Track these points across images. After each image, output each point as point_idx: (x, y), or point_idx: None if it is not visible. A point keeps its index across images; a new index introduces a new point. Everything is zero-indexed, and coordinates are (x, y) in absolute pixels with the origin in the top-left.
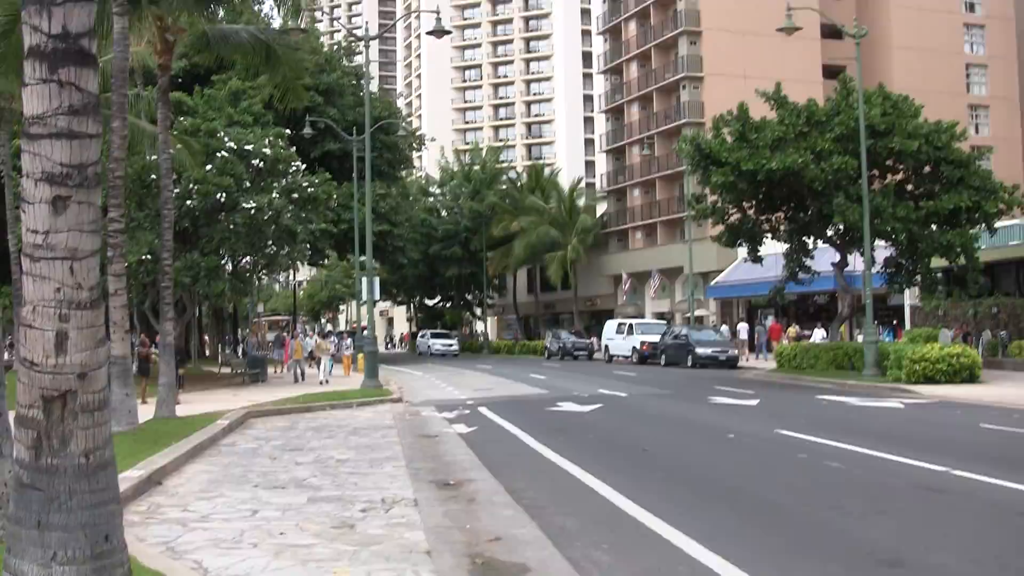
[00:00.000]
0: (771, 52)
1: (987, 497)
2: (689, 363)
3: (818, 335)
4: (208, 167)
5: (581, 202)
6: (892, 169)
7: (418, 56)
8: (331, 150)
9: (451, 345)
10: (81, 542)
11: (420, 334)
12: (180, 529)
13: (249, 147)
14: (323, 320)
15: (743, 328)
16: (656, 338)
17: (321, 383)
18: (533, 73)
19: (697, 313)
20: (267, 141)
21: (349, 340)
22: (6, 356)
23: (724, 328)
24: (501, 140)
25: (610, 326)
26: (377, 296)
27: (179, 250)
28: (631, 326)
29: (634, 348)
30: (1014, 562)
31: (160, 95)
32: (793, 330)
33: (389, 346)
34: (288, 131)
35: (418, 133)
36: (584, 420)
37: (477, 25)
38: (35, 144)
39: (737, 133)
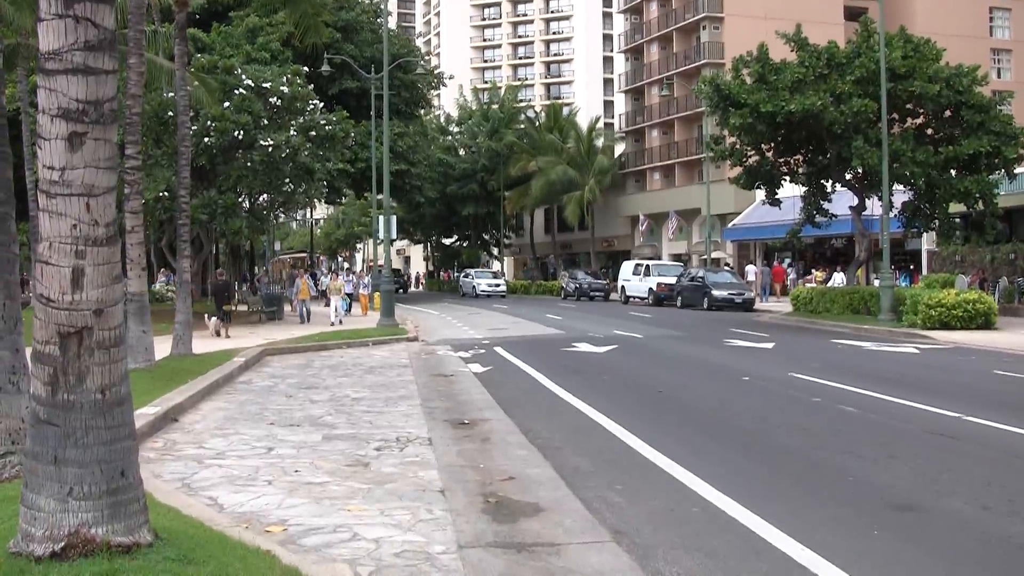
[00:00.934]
0: None
1: (999, 443)
2: (705, 305)
3: (837, 279)
4: (226, 104)
5: (599, 142)
6: (912, 113)
7: None
8: (349, 88)
9: (498, 285)
10: (97, 477)
11: (463, 273)
12: (196, 466)
13: (267, 84)
14: (340, 259)
15: (751, 270)
16: (672, 280)
17: (332, 324)
18: (552, 12)
19: (714, 255)
20: (285, 79)
21: (367, 279)
22: (23, 292)
23: (727, 269)
24: (520, 79)
25: (627, 267)
26: (394, 235)
27: (196, 187)
28: (648, 267)
29: (650, 289)
30: None
31: (177, 31)
32: (820, 274)
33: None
34: (305, 68)
35: (436, 71)
36: (600, 361)
37: None
38: (51, 80)
39: (757, 74)
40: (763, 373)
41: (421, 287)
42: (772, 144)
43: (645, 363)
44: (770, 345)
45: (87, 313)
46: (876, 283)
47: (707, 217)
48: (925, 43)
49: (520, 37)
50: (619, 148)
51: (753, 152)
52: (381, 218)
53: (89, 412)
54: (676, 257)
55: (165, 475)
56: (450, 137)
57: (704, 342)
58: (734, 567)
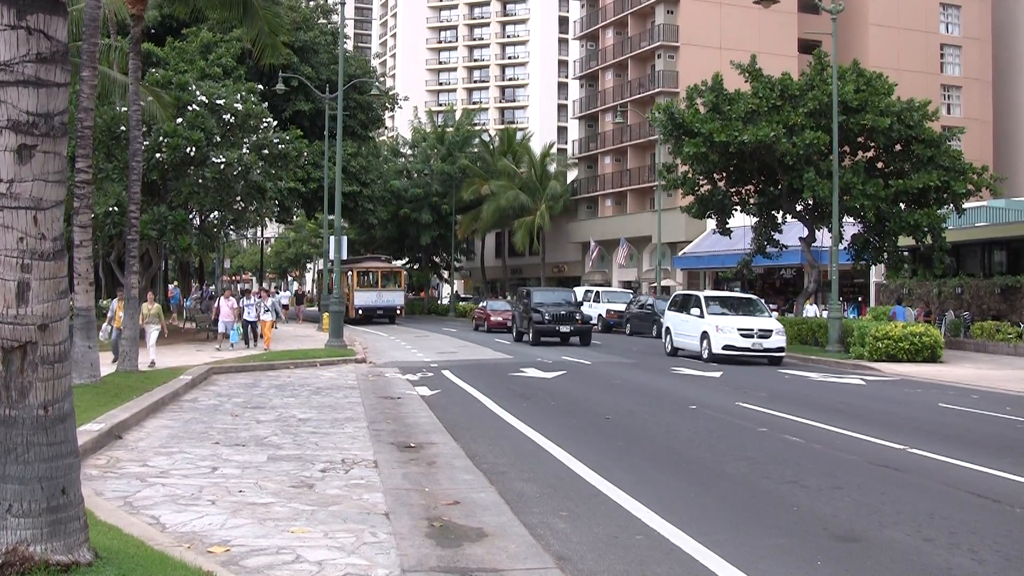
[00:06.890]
0: (748, 24)
1: (942, 476)
2: (654, 333)
3: (810, 311)
4: (179, 120)
5: (552, 168)
6: (863, 146)
7: (394, 15)
8: (302, 109)
9: (767, 333)
10: (37, 495)
11: (673, 299)
12: (139, 484)
13: (221, 101)
14: (290, 278)
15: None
16: (622, 307)
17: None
18: (509, 36)
19: (664, 283)
20: (239, 96)
21: (271, 300)
22: None
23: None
24: (475, 103)
25: (577, 293)
26: (345, 256)
27: (147, 203)
28: (597, 294)
29: (600, 316)
30: (966, 540)
31: (132, 45)
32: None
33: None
34: (260, 87)
35: (391, 92)
36: (547, 386)
37: None
38: (1, 91)
39: (711, 104)
40: (710, 402)
41: None
42: (724, 174)
43: (593, 389)
44: (718, 374)
45: (31, 327)
46: (824, 314)
47: (658, 245)
48: (877, 77)
49: (476, 61)
50: (572, 174)
51: (705, 181)
52: (332, 239)
53: (31, 428)
54: (626, 284)
55: (107, 493)
56: (403, 159)
57: (652, 370)
58: None
